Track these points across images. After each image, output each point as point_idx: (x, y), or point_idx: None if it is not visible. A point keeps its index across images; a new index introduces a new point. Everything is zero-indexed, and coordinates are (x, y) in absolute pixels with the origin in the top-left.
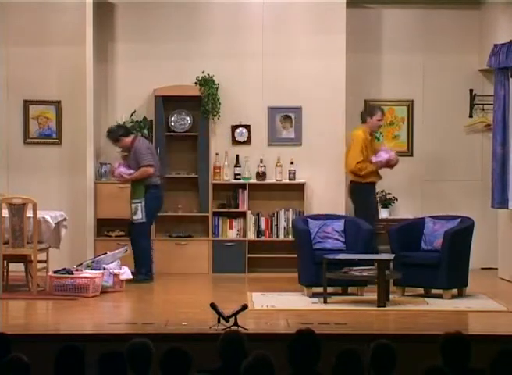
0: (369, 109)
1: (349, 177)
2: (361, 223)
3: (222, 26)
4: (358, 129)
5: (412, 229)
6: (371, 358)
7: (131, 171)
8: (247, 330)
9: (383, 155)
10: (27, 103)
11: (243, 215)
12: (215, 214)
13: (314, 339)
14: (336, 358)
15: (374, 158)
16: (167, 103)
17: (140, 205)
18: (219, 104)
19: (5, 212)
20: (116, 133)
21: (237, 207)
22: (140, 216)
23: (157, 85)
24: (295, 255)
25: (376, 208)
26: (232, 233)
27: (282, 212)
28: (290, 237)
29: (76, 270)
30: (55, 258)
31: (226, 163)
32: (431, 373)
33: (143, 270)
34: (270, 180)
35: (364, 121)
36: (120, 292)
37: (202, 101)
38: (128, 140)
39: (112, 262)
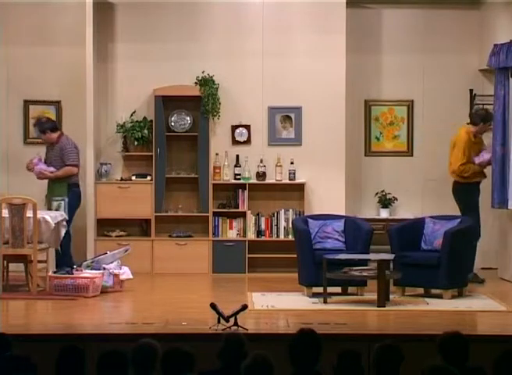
0: (485, 115)
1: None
2: (361, 223)
3: (222, 26)
4: (462, 129)
5: (412, 229)
6: (376, 359)
7: (52, 169)
8: (247, 330)
9: (485, 156)
10: (27, 103)
11: (243, 215)
12: (215, 214)
13: (316, 339)
14: (337, 359)
15: (477, 159)
16: (167, 103)
17: (63, 202)
18: (219, 104)
19: (5, 212)
20: (43, 126)
21: (237, 207)
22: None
23: (157, 85)
24: (295, 255)
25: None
26: (232, 233)
27: (282, 212)
28: (290, 237)
29: (76, 270)
30: (55, 258)
31: (226, 163)
32: (435, 372)
33: (65, 267)
34: (270, 180)
35: (473, 122)
36: (120, 292)
37: (202, 101)
38: (54, 135)
39: (112, 262)
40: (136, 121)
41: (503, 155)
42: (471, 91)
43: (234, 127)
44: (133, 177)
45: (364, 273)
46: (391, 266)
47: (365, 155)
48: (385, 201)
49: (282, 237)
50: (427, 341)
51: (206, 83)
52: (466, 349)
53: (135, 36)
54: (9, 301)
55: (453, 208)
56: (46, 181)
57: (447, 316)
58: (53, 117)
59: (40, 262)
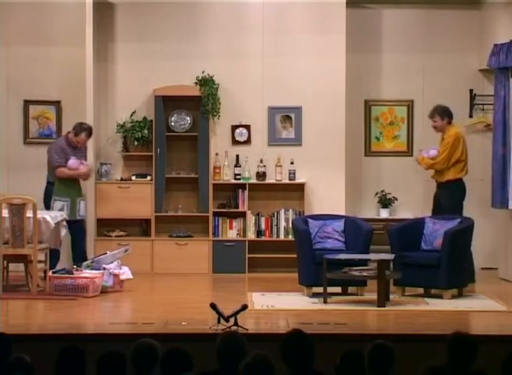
0: None
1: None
2: (361, 223)
3: (222, 26)
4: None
5: (412, 229)
6: (369, 359)
7: None
8: (247, 330)
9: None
10: (27, 103)
11: (243, 215)
12: (215, 214)
13: (305, 339)
14: (340, 359)
15: None
16: (167, 103)
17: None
18: (219, 104)
19: (5, 212)
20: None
21: (237, 207)
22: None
23: (157, 85)
24: (295, 255)
25: (435, 207)
26: (232, 233)
27: (282, 212)
28: (290, 237)
29: (76, 270)
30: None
31: (226, 163)
32: (432, 373)
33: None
34: (270, 180)
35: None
36: (120, 292)
37: (202, 101)
38: None
39: (112, 262)
40: (136, 121)
41: (503, 155)
42: (471, 91)
43: (234, 127)
44: (133, 177)
45: (364, 273)
46: (391, 266)
47: (365, 155)
48: (385, 201)
49: (282, 237)
50: (427, 341)
51: (206, 83)
52: (475, 352)
53: (135, 36)
54: (9, 301)
55: None
56: (44, 182)
57: (447, 316)
58: (53, 117)
59: (40, 262)
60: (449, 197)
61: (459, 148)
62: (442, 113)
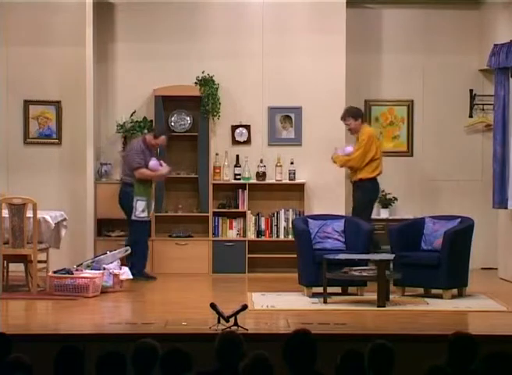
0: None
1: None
2: (361, 223)
3: (222, 26)
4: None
5: (412, 229)
6: (369, 359)
7: None
8: (247, 330)
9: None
10: (27, 103)
11: (243, 215)
12: (215, 214)
13: (310, 339)
14: (340, 359)
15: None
16: (167, 103)
17: None
18: (219, 104)
19: (5, 212)
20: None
21: (237, 207)
22: None
23: (157, 85)
24: (295, 255)
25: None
26: (232, 233)
27: (282, 212)
28: (290, 237)
29: (76, 270)
30: (55, 258)
31: (226, 163)
32: (433, 372)
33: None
34: (270, 180)
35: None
36: (120, 292)
37: (202, 101)
38: None
39: (112, 262)
40: (136, 121)
41: (502, 154)
42: (471, 91)
43: (234, 127)
44: None
45: (364, 273)
46: (391, 266)
47: None
48: (385, 201)
49: (282, 237)
50: (427, 341)
51: (206, 83)
52: (475, 352)
53: (135, 36)
54: (9, 301)
55: (453, 209)
56: (44, 182)
57: (447, 316)
58: (53, 117)
59: (40, 262)
60: (361, 196)
61: (373, 146)
62: (355, 115)
